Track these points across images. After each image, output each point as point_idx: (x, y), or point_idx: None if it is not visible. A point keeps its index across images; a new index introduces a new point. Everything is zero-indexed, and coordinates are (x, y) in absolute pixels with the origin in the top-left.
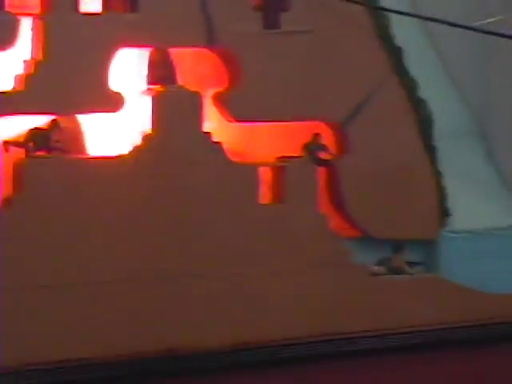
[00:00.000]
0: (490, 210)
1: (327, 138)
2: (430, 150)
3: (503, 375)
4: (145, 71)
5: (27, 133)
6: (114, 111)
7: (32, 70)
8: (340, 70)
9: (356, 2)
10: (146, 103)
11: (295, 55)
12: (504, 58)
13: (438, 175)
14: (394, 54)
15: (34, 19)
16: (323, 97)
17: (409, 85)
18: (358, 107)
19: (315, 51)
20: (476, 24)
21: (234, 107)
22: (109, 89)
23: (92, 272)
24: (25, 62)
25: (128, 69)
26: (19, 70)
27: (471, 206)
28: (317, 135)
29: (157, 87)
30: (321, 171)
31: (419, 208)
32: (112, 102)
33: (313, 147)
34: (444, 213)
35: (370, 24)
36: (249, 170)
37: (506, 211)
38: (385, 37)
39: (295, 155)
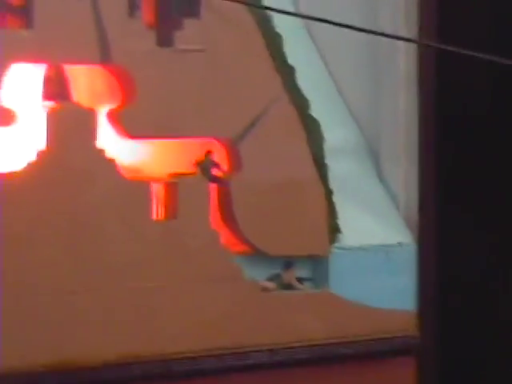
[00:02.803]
0: (379, 227)
1: (220, 154)
2: (321, 167)
3: None
4: (39, 87)
5: None
6: (6, 125)
7: None
8: (232, 88)
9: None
10: (41, 119)
11: (188, 73)
12: (394, 74)
13: (328, 192)
14: (287, 72)
15: None
16: (216, 114)
17: (300, 103)
18: (249, 125)
19: (208, 69)
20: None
21: (128, 124)
22: (1, 104)
23: None
24: None
25: (22, 85)
26: None
27: (360, 223)
28: (209, 152)
29: (51, 103)
30: (213, 188)
31: (309, 224)
32: (4, 117)
33: (205, 164)
34: (334, 230)
35: (263, 43)
36: (142, 186)
37: (394, 229)
38: (278, 56)
39: (188, 172)
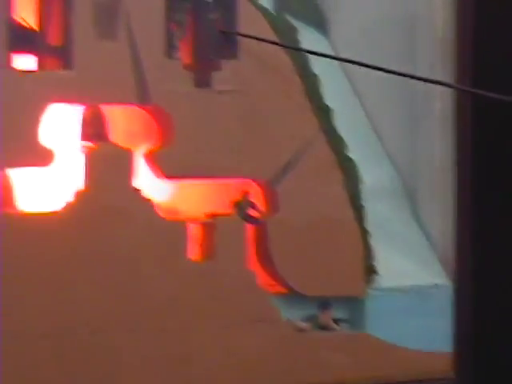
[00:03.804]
0: (415, 268)
1: (256, 195)
2: (357, 207)
3: None
4: (78, 127)
5: None
6: (45, 166)
7: None
8: (269, 128)
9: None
10: (79, 160)
11: (225, 114)
12: (431, 115)
13: (364, 233)
14: (323, 113)
15: None
16: (253, 155)
17: (337, 144)
18: (286, 165)
19: (245, 110)
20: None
21: (165, 164)
22: (40, 144)
23: (20, 325)
24: None
25: (61, 125)
26: None
27: (397, 264)
28: (246, 193)
29: (89, 144)
30: (250, 228)
31: (345, 265)
32: (42, 157)
33: (242, 204)
34: (370, 270)
35: (299, 84)
36: (178, 226)
37: (430, 270)
38: (314, 96)
39: (225, 212)
